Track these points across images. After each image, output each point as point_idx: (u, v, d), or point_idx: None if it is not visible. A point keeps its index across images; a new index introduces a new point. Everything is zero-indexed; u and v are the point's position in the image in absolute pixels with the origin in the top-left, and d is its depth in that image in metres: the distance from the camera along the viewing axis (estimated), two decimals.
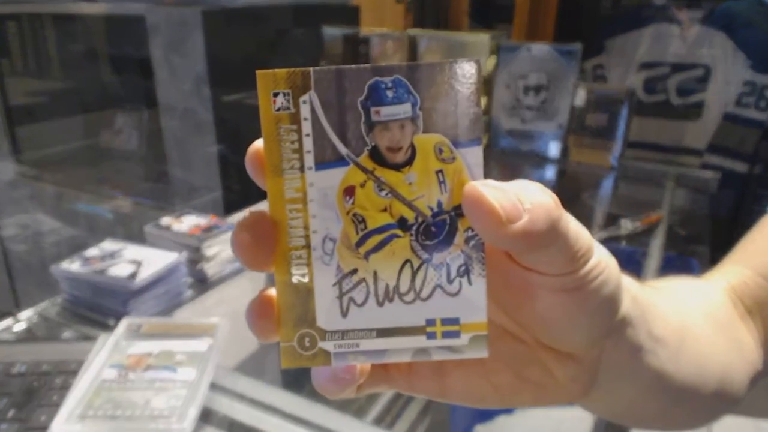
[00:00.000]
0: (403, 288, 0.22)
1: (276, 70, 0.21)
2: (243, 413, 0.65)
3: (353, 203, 0.22)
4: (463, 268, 0.22)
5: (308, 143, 0.22)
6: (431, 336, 0.22)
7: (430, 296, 0.22)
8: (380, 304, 0.22)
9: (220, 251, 0.94)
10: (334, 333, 0.22)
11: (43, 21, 1.96)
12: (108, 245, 0.90)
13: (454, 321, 0.22)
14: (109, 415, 0.58)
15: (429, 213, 0.22)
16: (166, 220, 0.98)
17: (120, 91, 1.90)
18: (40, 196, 1.91)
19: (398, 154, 0.22)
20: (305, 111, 0.21)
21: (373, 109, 0.21)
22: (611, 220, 1.16)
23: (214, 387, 0.67)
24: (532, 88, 1.46)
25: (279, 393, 0.69)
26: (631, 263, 1.04)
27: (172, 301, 0.87)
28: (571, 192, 1.38)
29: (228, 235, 0.95)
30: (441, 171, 0.22)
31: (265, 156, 0.22)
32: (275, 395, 0.68)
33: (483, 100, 1.55)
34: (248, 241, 0.21)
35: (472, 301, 0.22)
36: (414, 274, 0.22)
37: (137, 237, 0.97)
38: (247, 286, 0.96)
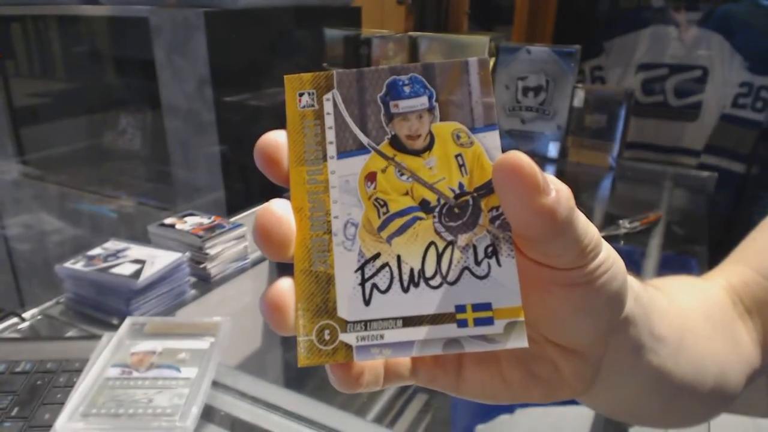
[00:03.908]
0: (429, 271, 0.21)
1: (302, 74, 0.23)
2: (245, 411, 0.65)
3: (375, 188, 0.22)
4: (490, 248, 0.21)
5: (330, 135, 0.22)
6: (462, 324, 0.21)
7: (457, 279, 0.21)
8: (405, 289, 0.21)
9: (222, 251, 0.95)
10: (356, 323, 0.21)
11: (47, 23, 1.97)
12: (111, 245, 0.91)
13: (486, 306, 0.21)
14: (113, 413, 0.59)
15: (451, 195, 0.22)
16: (169, 220, 0.98)
17: (123, 92, 1.91)
18: (44, 196, 1.92)
19: (417, 141, 0.22)
20: (328, 107, 0.22)
21: (392, 103, 0.22)
22: (610, 219, 1.16)
23: (216, 385, 0.67)
24: (531, 89, 1.46)
25: (280, 391, 0.69)
26: (630, 263, 1.03)
27: (175, 300, 0.88)
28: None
29: (230, 235, 0.96)
30: (460, 155, 0.22)
31: (289, 149, 0.22)
32: (277, 393, 0.68)
33: None
34: (269, 227, 0.21)
35: (504, 284, 0.21)
36: (439, 256, 0.21)
37: (141, 237, 0.97)
38: (250, 286, 0.97)
